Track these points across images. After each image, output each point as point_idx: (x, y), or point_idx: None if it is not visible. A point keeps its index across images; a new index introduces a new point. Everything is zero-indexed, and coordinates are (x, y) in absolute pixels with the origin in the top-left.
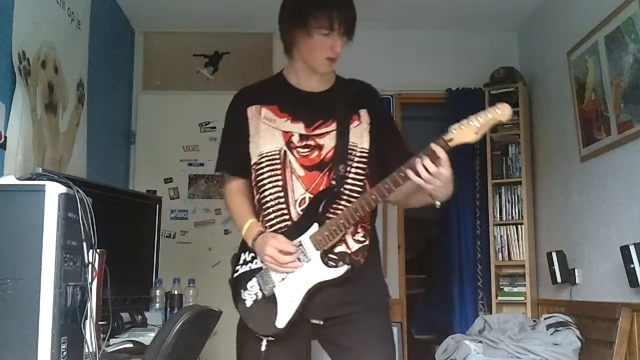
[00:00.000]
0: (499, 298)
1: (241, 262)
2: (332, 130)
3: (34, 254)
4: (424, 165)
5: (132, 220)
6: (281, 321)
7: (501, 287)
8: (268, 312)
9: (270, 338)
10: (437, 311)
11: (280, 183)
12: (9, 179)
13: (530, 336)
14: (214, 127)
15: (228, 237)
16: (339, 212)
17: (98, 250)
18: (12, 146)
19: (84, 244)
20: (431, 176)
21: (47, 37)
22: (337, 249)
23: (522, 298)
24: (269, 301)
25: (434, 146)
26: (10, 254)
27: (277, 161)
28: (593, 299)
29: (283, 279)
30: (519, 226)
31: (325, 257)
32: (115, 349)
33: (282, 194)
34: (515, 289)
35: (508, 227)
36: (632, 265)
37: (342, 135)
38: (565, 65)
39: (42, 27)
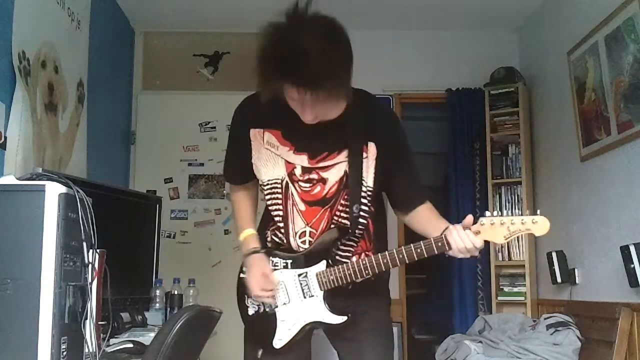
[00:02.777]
0: (499, 298)
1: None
2: (338, 163)
3: (34, 254)
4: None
5: (132, 220)
6: (278, 343)
7: (501, 287)
8: (267, 328)
9: (264, 351)
10: (437, 311)
11: (281, 213)
12: (9, 179)
13: (530, 336)
14: (214, 127)
15: (228, 237)
16: (342, 249)
17: (98, 250)
18: (12, 146)
19: (84, 244)
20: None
21: (47, 37)
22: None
23: (522, 298)
24: (269, 317)
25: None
26: (10, 254)
27: (279, 190)
28: (593, 299)
29: (285, 304)
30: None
31: (328, 300)
32: (115, 349)
33: (282, 224)
34: (515, 289)
35: None
36: (632, 265)
37: (355, 173)
38: (565, 65)
39: (42, 27)
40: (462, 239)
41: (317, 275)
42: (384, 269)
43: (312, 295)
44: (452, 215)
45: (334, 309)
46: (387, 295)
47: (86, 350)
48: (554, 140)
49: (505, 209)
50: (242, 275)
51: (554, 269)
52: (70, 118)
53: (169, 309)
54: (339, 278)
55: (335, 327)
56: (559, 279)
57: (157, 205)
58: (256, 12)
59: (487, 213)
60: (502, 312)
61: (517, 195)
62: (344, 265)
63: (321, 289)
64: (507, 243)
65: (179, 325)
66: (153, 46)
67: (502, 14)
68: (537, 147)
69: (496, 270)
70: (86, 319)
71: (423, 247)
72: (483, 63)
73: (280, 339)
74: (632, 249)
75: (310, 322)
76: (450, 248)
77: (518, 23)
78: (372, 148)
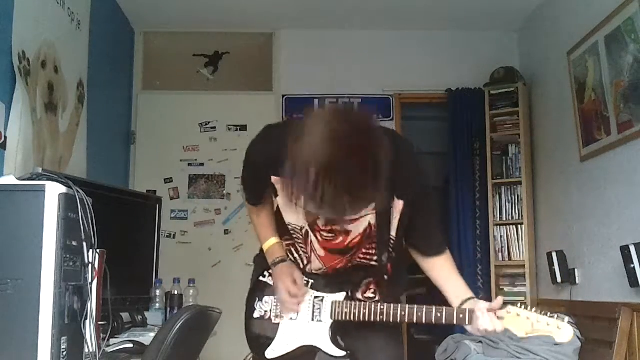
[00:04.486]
0: None
1: (271, 272)
2: (364, 216)
3: (34, 254)
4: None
5: (132, 220)
6: (271, 354)
7: (501, 287)
8: (265, 335)
9: (255, 356)
10: None
11: (300, 252)
12: (9, 179)
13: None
14: (214, 127)
15: (228, 237)
16: (366, 291)
17: (98, 250)
18: (12, 146)
19: (84, 244)
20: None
21: (47, 37)
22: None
23: (522, 298)
24: (271, 326)
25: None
26: (10, 254)
27: (299, 235)
28: (593, 299)
29: (292, 319)
30: (519, 226)
31: (334, 333)
32: (115, 349)
33: (299, 261)
34: (515, 289)
35: (508, 227)
36: (632, 265)
37: (382, 223)
38: (565, 65)
39: (42, 27)
40: (488, 323)
41: (332, 303)
42: (399, 320)
43: (320, 321)
44: (452, 215)
45: (336, 342)
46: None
47: (86, 350)
48: (554, 140)
49: (505, 209)
50: (262, 278)
51: (554, 269)
52: (70, 118)
53: (169, 309)
54: (353, 314)
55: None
56: (559, 279)
57: (157, 205)
58: (256, 12)
59: (512, 307)
60: None
61: (517, 195)
62: (362, 304)
63: (331, 318)
64: (508, 243)
65: (179, 325)
66: (153, 46)
67: (502, 14)
68: (537, 147)
69: (496, 270)
70: (86, 319)
71: (444, 314)
72: (483, 63)
73: (274, 350)
74: (632, 249)
75: (308, 345)
76: (470, 324)
77: (518, 23)
78: (398, 204)
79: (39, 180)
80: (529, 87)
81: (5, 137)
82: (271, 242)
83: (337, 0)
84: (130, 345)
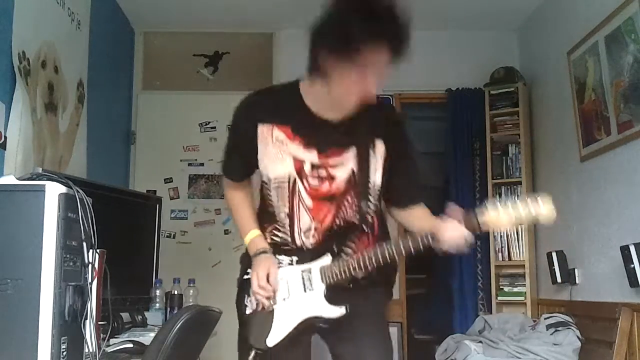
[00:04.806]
0: (499, 298)
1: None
2: (347, 161)
3: (34, 254)
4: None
5: (132, 220)
6: (272, 340)
7: (501, 287)
8: (263, 326)
9: (258, 351)
10: (437, 311)
11: (287, 210)
12: (9, 179)
13: (530, 336)
14: (214, 127)
15: (228, 237)
16: (350, 244)
17: (98, 250)
18: (12, 146)
19: (84, 244)
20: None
21: (47, 37)
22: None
23: (522, 298)
24: (266, 316)
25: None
26: (10, 254)
27: (285, 187)
28: (593, 299)
29: (284, 299)
30: (519, 226)
31: (328, 293)
32: (115, 349)
33: (287, 221)
34: (515, 289)
35: None
36: (632, 265)
37: (363, 170)
38: (565, 65)
39: (42, 27)
40: (453, 229)
41: (320, 269)
42: (388, 260)
43: (312, 289)
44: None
45: (332, 301)
46: (389, 294)
47: (86, 350)
48: (554, 140)
49: None
50: (246, 277)
51: (554, 269)
52: (70, 118)
53: (169, 309)
54: (341, 271)
55: (333, 325)
56: (559, 279)
57: (157, 205)
58: (256, 12)
59: (489, 205)
60: (502, 312)
61: (517, 195)
62: (349, 258)
63: (322, 282)
64: (508, 243)
65: (179, 325)
66: (153, 46)
67: (502, 14)
68: (537, 147)
69: (496, 270)
70: (86, 319)
71: (425, 236)
72: (483, 63)
73: (274, 336)
74: (632, 249)
75: (306, 319)
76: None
77: (518, 23)
78: (379, 146)
79: (39, 180)
80: (529, 87)
81: (5, 137)
82: (252, 234)
83: None
84: (130, 345)
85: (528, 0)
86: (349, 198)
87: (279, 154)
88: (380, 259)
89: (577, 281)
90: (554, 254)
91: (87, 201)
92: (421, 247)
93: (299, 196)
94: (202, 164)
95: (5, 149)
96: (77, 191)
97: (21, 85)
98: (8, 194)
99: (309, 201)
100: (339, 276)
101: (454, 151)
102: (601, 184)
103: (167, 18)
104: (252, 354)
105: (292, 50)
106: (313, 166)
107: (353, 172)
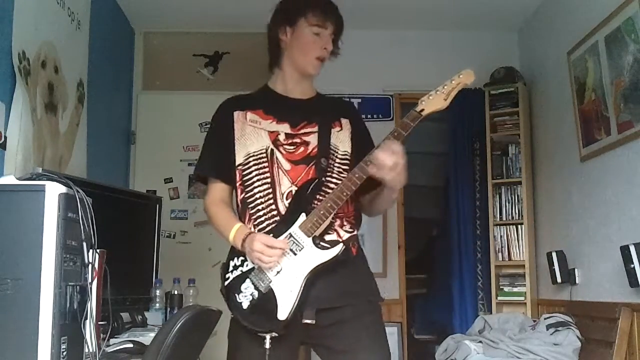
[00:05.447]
0: (499, 298)
1: (231, 268)
2: (315, 131)
3: (34, 254)
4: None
5: (132, 220)
6: (283, 313)
7: (501, 287)
8: (268, 309)
9: (274, 334)
10: (437, 311)
11: (268, 179)
12: (9, 179)
13: (530, 336)
14: None
15: None
16: (318, 199)
17: (98, 250)
18: (12, 146)
19: (84, 244)
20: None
21: (47, 37)
22: (328, 237)
23: (522, 298)
24: (266, 298)
25: (401, 123)
26: (10, 254)
27: (264, 159)
28: (593, 299)
29: (279, 272)
30: (519, 226)
31: (318, 241)
32: (115, 349)
33: (270, 189)
34: (515, 289)
35: (508, 227)
36: (632, 265)
37: (324, 137)
38: (565, 65)
39: (42, 27)
40: (385, 149)
41: (299, 227)
42: (358, 183)
43: (302, 247)
44: (452, 215)
45: (325, 246)
46: (377, 293)
47: (86, 350)
48: (554, 140)
49: (505, 209)
50: (227, 281)
51: (554, 269)
52: (70, 118)
53: (169, 309)
54: (321, 215)
55: (323, 337)
56: (559, 279)
57: (157, 205)
58: (256, 12)
59: (422, 99)
60: (502, 312)
61: (517, 195)
62: (322, 202)
63: (308, 236)
64: (508, 243)
65: (179, 325)
66: (153, 46)
67: (502, 14)
68: (537, 147)
69: (496, 270)
70: (86, 319)
71: (368, 161)
72: (483, 63)
73: (283, 309)
74: (632, 249)
75: (308, 273)
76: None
77: (518, 23)
78: (346, 123)
79: (39, 180)
80: (529, 87)
81: (5, 137)
82: (236, 227)
83: (337, 1)
84: (130, 345)
85: (528, 0)
86: (319, 158)
87: (254, 132)
88: (352, 187)
89: (577, 281)
90: (554, 254)
91: (87, 201)
92: (366, 170)
93: (277, 163)
94: None
95: (5, 149)
96: (77, 191)
97: (21, 85)
98: (8, 194)
99: (287, 165)
100: (320, 221)
101: (454, 151)
102: (601, 184)
103: (167, 18)
104: (268, 340)
105: None
106: (287, 135)
107: (321, 139)
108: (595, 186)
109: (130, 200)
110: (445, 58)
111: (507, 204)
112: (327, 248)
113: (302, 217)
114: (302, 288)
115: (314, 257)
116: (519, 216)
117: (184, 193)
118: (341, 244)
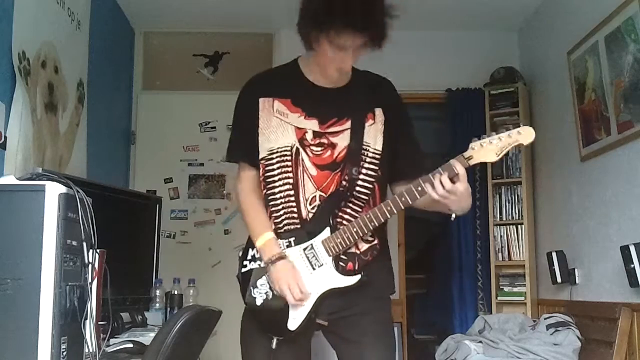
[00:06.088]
0: (499, 298)
1: (249, 257)
2: (346, 129)
3: (34, 254)
4: (441, 182)
5: (132, 220)
6: (293, 324)
7: (501, 287)
8: (279, 313)
9: (280, 337)
10: (437, 311)
11: (291, 181)
12: (9, 179)
13: (530, 336)
14: (214, 127)
15: (228, 237)
16: (347, 213)
17: (98, 250)
18: (12, 146)
19: (84, 244)
20: (447, 192)
21: (47, 37)
22: (347, 251)
23: (522, 298)
24: (279, 301)
25: (453, 162)
26: (10, 254)
27: (288, 157)
28: (593, 299)
29: None
30: (519, 226)
31: (338, 263)
32: (115, 349)
33: (292, 192)
34: (515, 289)
35: (508, 227)
36: (632, 265)
37: (356, 135)
38: (565, 65)
39: (42, 27)
40: (437, 185)
41: (322, 242)
42: (388, 216)
43: (322, 265)
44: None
45: (346, 272)
46: (390, 287)
47: (86, 350)
48: (554, 140)
49: (505, 209)
50: (244, 269)
51: (554, 269)
52: (70, 118)
53: (169, 309)
54: (345, 239)
55: (335, 325)
56: (559, 279)
57: (157, 205)
58: (256, 12)
59: (475, 139)
60: (502, 312)
61: (517, 195)
62: (349, 224)
63: (329, 255)
64: (508, 243)
65: (179, 325)
66: (153, 46)
67: (502, 14)
68: (537, 147)
69: (496, 270)
70: (86, 319)
71: (422, 184)
72: (483, 63)
73: (294, 319)
74: (632, 249)
75: (323, 293)
76: (426, 182)
77: (518, 23)
78: (379, 114)
79: (39, 180)
80: (529, 87)
81: (5, 137)
82: (266, 237)
83: None
84: (130, 345)
85: (528, 0)
86: (350, 166)
87: (280, 125)
88: (381, 218)
89: (577, 281)
90: (554, 254)
91: (87, 201)
92: (418, 196)
93: (302, 165)
94: (202, 164)
95: (5, 149)
96: (77, 191)
97: (21, 86)
98: (8, 194)
99: (313, 170)
100: (343, 244)
101: (454, 151)
102: (601, 184)
103: (167, 18)
104: (275, 341)
105: (292, 50)
106: (315, 134)
107: (351, 139)
108: (595, 186)
109: (130, 200)
110: (445, 58)
111: (507, 203)
112: (346, 274)
113: (327, 232)
114: (314, 304)
115: (332, 279)
116: (519, 216)
117: (184, 193)
118: (358, 276)
